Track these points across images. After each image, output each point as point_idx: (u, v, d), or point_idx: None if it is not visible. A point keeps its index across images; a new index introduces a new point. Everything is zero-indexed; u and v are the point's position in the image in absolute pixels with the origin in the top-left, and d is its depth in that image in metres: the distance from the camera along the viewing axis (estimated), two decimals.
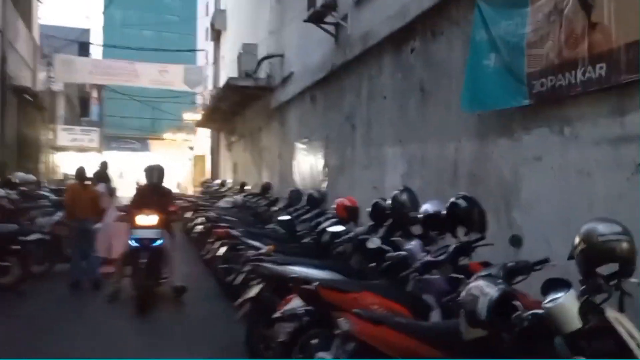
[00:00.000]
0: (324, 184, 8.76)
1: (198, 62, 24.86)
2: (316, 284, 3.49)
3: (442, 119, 5.23)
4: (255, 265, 4.64)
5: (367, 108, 7.12)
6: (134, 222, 6.53)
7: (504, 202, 4.23)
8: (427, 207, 4.43)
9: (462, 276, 3.47)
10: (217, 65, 22.16)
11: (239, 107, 15.45)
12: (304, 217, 7.32)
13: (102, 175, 11.87)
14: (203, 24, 27.00)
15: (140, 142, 37.37)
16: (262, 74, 12.74)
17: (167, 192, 7.34)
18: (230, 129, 19.08)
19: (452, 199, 3.77)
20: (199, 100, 25.71)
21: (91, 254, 7.62)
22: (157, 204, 6.70)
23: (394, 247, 4.52)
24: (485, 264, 3.70)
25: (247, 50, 12.71)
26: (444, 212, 4.33)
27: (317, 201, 7.61)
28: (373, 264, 4.54)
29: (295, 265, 4.57)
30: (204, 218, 9.83)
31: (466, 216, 3.74)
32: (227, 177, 18.83)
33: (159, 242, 6.44)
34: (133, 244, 6.37)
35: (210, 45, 23.90)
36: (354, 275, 4.70)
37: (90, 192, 7.73)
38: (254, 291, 4.47)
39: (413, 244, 4.29)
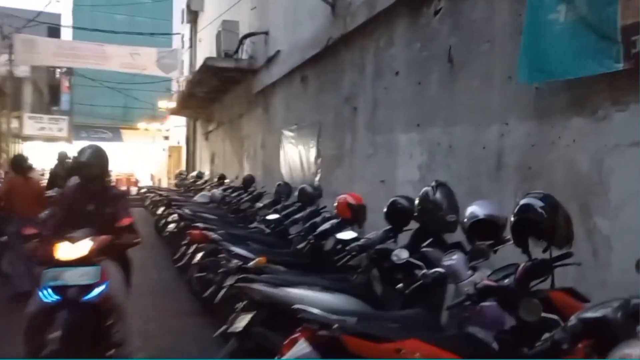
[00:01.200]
0: (317, 177, 7.62)
1: (174, 47, 23.37)
2: (336, 327, 2.37)
3: (479, 96, 4.13)
4: (243, 287, 3.49)
5: (372, 87, 5.99)
6: (50, 255, 3.57)
7: (579, 203, 3.15)
8: (474, 210, 3.33)
9: (554, 316, 2.38)
10: (193, 49, 20.74)
11: (217, 92, 14.17)
12: (296, 216, 6.20)
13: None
14: (178, 6, 25.50)
15: (112, 131, 35.62)
16: (243, 55, 11.51)
17: (116, 195, 4.25)
18: (207, 117, 17.76)
19: (525, 200, 2.66)
20: (175, 87, 24.26)
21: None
22: (96, 217, 3.88)
23: (425, 261, 3.44)
24: (573, 293, 2.62)
25: (227, 28, 11.44)
26: (500, 215, 3.28)
27: (310, 197, 6.49)
28: (399, 285, 3.44)
29: (297, 286, 3.44)
30: (177, 215, 8.59)
31: (545, 224, 2.64)
32: (205, 168, 17.55)
33: (97, 292, 3.48)
34: (47, 297, 3.40)
35: (186, 29, 22.45)
36: (373, 299, 3.59)
37: (32, 186, 6.43)
38: (242, 322, 3.31)
39: (455, 259, 3.19)
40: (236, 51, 11.27)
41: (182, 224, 8.01)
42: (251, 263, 4.06)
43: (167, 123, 28.74)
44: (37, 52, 17.12)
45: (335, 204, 5.05)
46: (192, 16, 20.49)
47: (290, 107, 9.07)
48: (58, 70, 40.09)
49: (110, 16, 33.09)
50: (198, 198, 11.23)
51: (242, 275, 3.77)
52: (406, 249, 3.56)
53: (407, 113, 5.19)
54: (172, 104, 22.26)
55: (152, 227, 12.03)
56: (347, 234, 4.16)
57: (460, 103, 4.38)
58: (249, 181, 9.75)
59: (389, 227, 4.05)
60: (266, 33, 10.45)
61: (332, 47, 7.00)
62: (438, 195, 3.57)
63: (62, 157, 9.63)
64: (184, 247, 7.00)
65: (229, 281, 4.54)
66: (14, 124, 27.50)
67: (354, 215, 4.93)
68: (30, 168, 6.93)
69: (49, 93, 40.54)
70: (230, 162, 14.32)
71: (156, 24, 30.44)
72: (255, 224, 7.42)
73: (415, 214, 3.69)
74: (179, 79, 21.63)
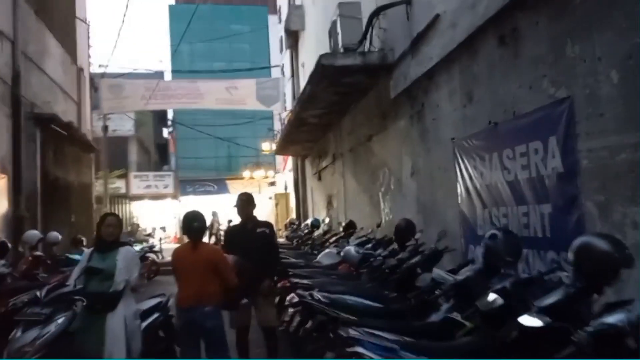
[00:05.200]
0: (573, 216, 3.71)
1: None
2: None
3: None
4: None
5: None
6: None
7: None
8: None
9: None
10: (295, 77, 17.92)
11: (333, 114, 10.81)
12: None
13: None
14: (276, 37, 23.20)
15: (217, 183, 33.94)
16: (370, 49, 8.03)
17: None
18: (319, 151, 14.51)
19: None
20: (277, 125, 21.59)
21: None
22: None
23: None
24: None
25: (346, 13, 8.06)
26: None
27: (612, 268, 2.66)
28: None
29: None
30: (298, 300, 4.99)
31: None
32: (320, 214, 14.18)
33: None
34: None
35: (285, 58, 19.83)
36: None
37: (206, 255, 4.41)
38: None
39: None
40: (361, 42, 7.82)
41: (312, 321, 4.40)
42: None
43: (278, 170, 26.19)
44: (124, 96, 15.02)
45: None
46: (292, 39, 17.75)
47: (473, 97, 5.29)
48: (165, 129, 39.92)
49: (209, 65, 31.82)
50: (323, 259, 7.72)
51: None
52: None
53: None
54: (275, 146, 19.51)
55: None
56: None
57: None
58: (405, 230, 5.97)
59: None
60: (407, 2, 6.90)
61: None
62: None
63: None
64: None
65: None
66: (117, 183, 26.43)
67: None
68: (203, 230, 4.58)
69: (157, 153, 40.30)
70: (356, 204, 10.75)
71: (253, 60, 28.47)
72: (439, 314, 3.91)
73: None
74: (282, 114, 18.86)
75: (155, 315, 4.76)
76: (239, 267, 4.55)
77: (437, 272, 4.65)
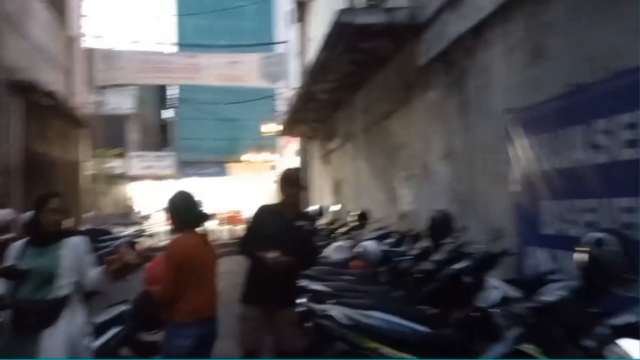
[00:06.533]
0: None
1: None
2: None
3: None
4: None
5: None
6: None
7: None
8: None
9: None
10: (303, 54, 16.63)
11: (345, 89, 9.57)
12: None
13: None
14: (282, 13, 21.83)
15: (218, 166, 32.76)
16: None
17: None
18: (327, 132, 13.28)
19: None
20: (281, 105, 20.32)
21: None
22: None
23: None
24: None
25: None
26: None
27: None
28: None
29: None
30: (306, 309, 3.81)
31: None
32: (325, 202, 13.00)
33: None
34: None
35: (292, 33, 18.49)
36: None
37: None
38: None
39: None
40: None
41: (328, 344, 3.22)
42: None
43: (283, 151, 24.97)
44: (118, 68, 13.79)
45: None
46: (301, 12, 16.46)
47: (544, 53, 4.04)
48: (167, 109, 38.61)
49: (213, 43, 30.54)
50: (333, 253, 6.55)
51: None
52: None
53: None
54: (278, 127, 18.29)
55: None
56: None
57: None
58: (441, 225, 4.77)
59: None
60: None
61: None
62: None
63: None
64: None
65: None
66: (112, 163, 25.28)
67: None
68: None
69: (158, 133, 39.00)
70: (369, 190, 9.55)
71: (258, 39, 27.15)
72: (505, 344, 2.83)
73: None
74: (286, 93, 17.59)
75: (116, 329, 3.57)
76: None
77: (498, 283, 3.47)
